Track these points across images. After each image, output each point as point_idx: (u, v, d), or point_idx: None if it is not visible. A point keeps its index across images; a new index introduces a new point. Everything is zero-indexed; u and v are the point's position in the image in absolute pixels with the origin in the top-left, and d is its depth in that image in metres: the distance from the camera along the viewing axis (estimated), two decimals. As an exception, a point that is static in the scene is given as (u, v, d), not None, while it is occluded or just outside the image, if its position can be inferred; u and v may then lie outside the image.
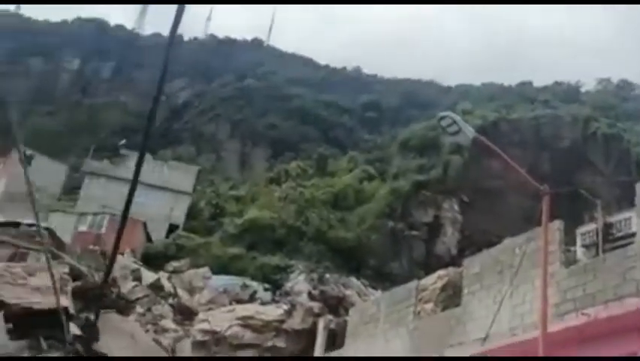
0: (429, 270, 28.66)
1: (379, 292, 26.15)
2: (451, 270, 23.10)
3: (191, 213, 53.61)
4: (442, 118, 11.07)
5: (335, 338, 20.72)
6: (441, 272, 23.31)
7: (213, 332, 26.50)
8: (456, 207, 46.60)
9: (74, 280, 32.00)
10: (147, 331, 32.48)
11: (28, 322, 28.06)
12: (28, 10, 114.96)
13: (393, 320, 16.79)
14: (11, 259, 32.81)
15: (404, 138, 57.62)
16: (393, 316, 16.94)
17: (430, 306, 20.54)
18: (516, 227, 16.83)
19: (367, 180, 53.91)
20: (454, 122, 10.80)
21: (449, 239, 44.70)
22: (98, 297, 31.99)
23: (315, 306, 26.38)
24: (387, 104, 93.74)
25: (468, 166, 47.92)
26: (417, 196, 46.30)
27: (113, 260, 6.26)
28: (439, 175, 51.56)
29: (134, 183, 5.18)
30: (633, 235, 14.04)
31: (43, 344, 28.46)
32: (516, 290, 12.87)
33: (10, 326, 27.15)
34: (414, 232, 44.36)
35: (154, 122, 6.22)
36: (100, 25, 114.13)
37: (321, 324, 22.33)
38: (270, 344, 26.13)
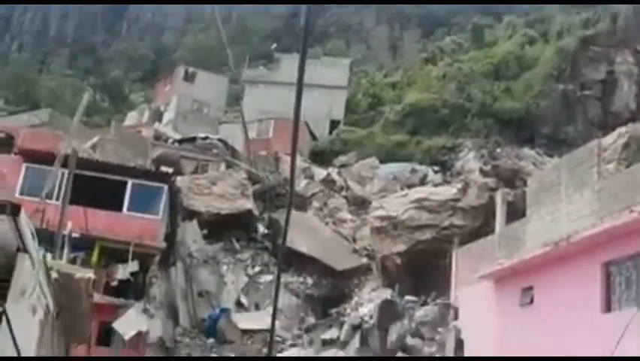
0: (607, 129, 26.86)
1: (556, 160, 24.97)
2: (631, 126, 21.51)
3: (350, 107, 53.95)
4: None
5: (515, 211, 20.25)
6: (621, 129, 21.75)
7: (390, 218, 26.96)
8: (630, 58, 42.76)
9: (253, 184, 33.91)
10: (327, 223, 33.92)
11: (219, 226, 30.38)
12: None
13: (576, 184, 16.01)
14: (194, 171, 35.31)
15: (564, -7, 53.17)
16: (576, 179, 16.13)
17: (612, 166, 19.34)
18: None
19: (529, 44, 50.70)
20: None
21: (626, 94, 41.37)
22: (274, 197, 33.78)
23: (490, 181, 25.83)
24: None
25: (639, 13, 43.64)
26: (585, 53, 42.85)
27: (293, 163, 6.26)
28: (608, 27, 47.47)
29: (300, 86, 5.07)
30: None
31: (236, 245, 30.83)
32: None
33: (205, 231, 29.61)
34: (586, 92, 41.44)
35: (309, 26, 6.02)
36: None
37: (498, 198, 21.84)
38: (447, 223, 26.18)
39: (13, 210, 4.59)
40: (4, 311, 4.80)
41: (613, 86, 41.61)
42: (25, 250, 5.29)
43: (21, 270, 5.27)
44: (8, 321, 4.81)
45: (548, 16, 56.63)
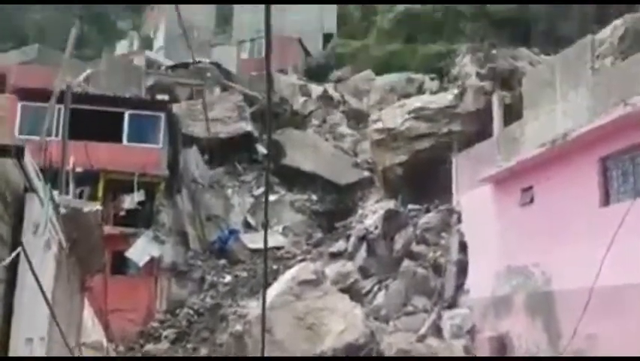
0: (604, 23, 26.49)
1: (552, 57, 24.78)
2: (627, 17, 21.21)
3: (342, 19, 53.01)
4: None
5: (514, 112, 20.31)
6: (617, 22, 21.51)
7: (388, 130, 27.04)
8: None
9: (250, 105, 33.85)
10: (327, 140, 34.10)
11: (220, 150, 30.57)
12: None
13: (570, 81, 16.02)
14: (190, 97, 35.17)
15: None
16: (570, 76, 16.13)
17: (609, 60, 19.24)
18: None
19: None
20: None
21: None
22: (272, 117, 33.76)
23: (487, 84, 25.70)
24: None
25: None
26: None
27: (269, 79, 6.36)
28: None
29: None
30: None
31: (239, 168, 31.12)
32: None
33: (207, 157, 29.84)
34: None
35: None
36: None
37: (495, 101, 21.89)
38: (445, 130, 26.24)
39: (18, 152, 4.73)
40: (23, 248, 5.04)
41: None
42: (33, 190, 5.47)
43: (31, 210, 5.46)
44: (27, 257, 5.04)
45: None
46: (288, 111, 35.37)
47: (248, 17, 50.89)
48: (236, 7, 54.00)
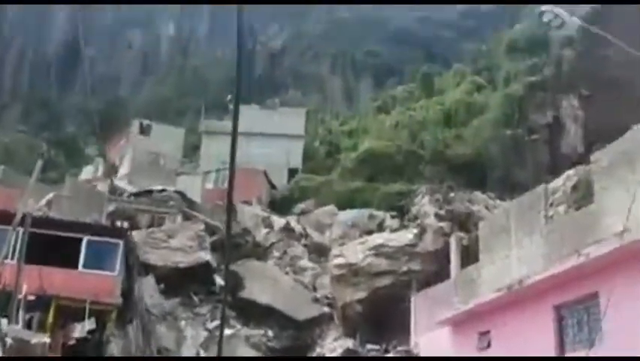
0: (557, 172, 27.70)
1: (507, 203, 25.63)
2: (580, 168, 22.27)
3: (308, 155, 54.49)
4: (544, 13, 10.56)
5: (470, 254, 20.67)
6: (569, 172, 22.57)
7: (349, 265, 27.16)
8: (575, 103, 44.31)
9: (211, 235, 33.79)
10: (287, 273, 33.92)
11: (177, 280, 30.10)
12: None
13: (525, 228, 16.50)
14: (150, 224, 35.06)
15: (510, 40, 54.98)
16: (525, 223, 16.63)
17: (562, 208, 19.98)
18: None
19: (477, 92, 52.23)
20: (557, 15, 10.26)
21: (573, 138, 42.76)
22: (233, 248, 33.65)
23: (445, 225, 26.32)
24: (486, 7, 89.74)
25: (582, 58, 45.20)
26: (532, 99, 44.32)
27: (229, 212, 6.53)
28: (553, 73, 49.06)
29: (234, 135, 5.40)
30: None
31: (195, 299, 30.54)
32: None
33: (162, 286, 29.32)
34: (534, 136, 42.74)
35: (242, 77, 6.36)
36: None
37: (453, 243, 22.30)
38: (405, 268, 26.48)
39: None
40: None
41: (560, 130, 43.00)
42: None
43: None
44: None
45: (495, 63, 58.46)
46: (249, 242, 35.38)
47: (215, 148, 51.95)
48: (205, 138, 55.19)
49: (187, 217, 36.20)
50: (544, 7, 11.10)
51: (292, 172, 52.44)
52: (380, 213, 39.02)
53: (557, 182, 22.46)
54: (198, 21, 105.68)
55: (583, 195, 19.58)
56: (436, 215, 28.32)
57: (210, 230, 34.12)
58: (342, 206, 41.26)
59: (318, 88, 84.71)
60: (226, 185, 47.08)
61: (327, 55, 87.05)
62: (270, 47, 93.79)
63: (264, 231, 37.11)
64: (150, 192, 40.78)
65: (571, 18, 10.91)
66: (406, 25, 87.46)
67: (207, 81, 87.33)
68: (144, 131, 54.24)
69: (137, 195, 40.61)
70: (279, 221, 38.85)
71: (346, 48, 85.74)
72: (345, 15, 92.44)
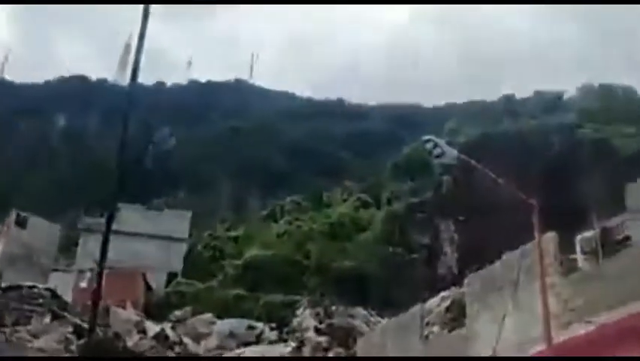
0: (433, 292, 28.60)
1: (386, 320, 26.03)
2: (454, 290, 23.16)
3: (190, 259, 53.38)
4: (427, 141, 11.33)
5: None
6: (444, 293, 23.40)
7: (223, 377, 26.30)
8: (452, 226, 46.64)
9: (79, 338, 31.86)
10: (158, 382, 32.26)
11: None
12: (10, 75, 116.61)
13: (400, 347, 16.77)
14: (16, 322, 32.68)
15: (395, 163, 57.88)
16: (402, 341, 16.92)
17: (436, 328, 20.54)
18: (517, 240, 16.84)
19: (363, 208, 53.98)
20: (436, 144, 11.06)
21: (449, 259, 44.65)
22: (102, 353, 31.86)
23: (324, 340, 26.29)
24: (376, 129, 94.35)
25: (459, 185, 48.01)
26: (413, 219, 46.36)
27: (94, 316, 6.35)
28: (433, 196, 51.64)
29: (106, 236, 5.37)
30: (628, 238, 14.17)
31: (54, 407, 28.27)
32: (518, 305, 12.93)
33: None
34: (414, 255, 44.30)
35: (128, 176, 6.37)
36: (82, 80, 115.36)
37: (330, 358, 22.24)
38: (281, 383, 25.95)
39: None
40: None
41: (437, 251, 44.83)
42: None
43: None
44: None
45: (381, 182, 60.91)
46: (120, 348, 33.57)
47: (93, 245, 49.93)
48: (83, 235, 53.04)
49: (56, 316, 34.10)
50: (425, 137, 11.90)
51: (172, 276, 51.00)
52: (260, 325, 38.41)
53: (434, 301, 23.17)
54: (90, 116, 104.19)
55: (456, 316, 20.28)
56: (316, 329, 28.32)
57: (79, 332, 32.21)
58: (221, 314, 40.31)
59: (207, 192, 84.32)
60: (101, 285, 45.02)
61: (218, 161, 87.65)
62: (162, 147, 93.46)
63: (137, 337, 35.45)
64: (20, 287, 38.27)
65: (449, 148, 11.75)
66: (300, 137, 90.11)
67: (93, 177, 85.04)
68: (20, 223, 51.51)
69: (5, 289, 37.99)
70: (153, 327, 37.29)
71: (238, 156, 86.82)
72: (239, 124, 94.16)
